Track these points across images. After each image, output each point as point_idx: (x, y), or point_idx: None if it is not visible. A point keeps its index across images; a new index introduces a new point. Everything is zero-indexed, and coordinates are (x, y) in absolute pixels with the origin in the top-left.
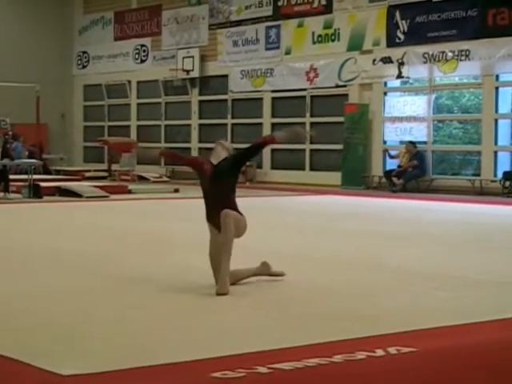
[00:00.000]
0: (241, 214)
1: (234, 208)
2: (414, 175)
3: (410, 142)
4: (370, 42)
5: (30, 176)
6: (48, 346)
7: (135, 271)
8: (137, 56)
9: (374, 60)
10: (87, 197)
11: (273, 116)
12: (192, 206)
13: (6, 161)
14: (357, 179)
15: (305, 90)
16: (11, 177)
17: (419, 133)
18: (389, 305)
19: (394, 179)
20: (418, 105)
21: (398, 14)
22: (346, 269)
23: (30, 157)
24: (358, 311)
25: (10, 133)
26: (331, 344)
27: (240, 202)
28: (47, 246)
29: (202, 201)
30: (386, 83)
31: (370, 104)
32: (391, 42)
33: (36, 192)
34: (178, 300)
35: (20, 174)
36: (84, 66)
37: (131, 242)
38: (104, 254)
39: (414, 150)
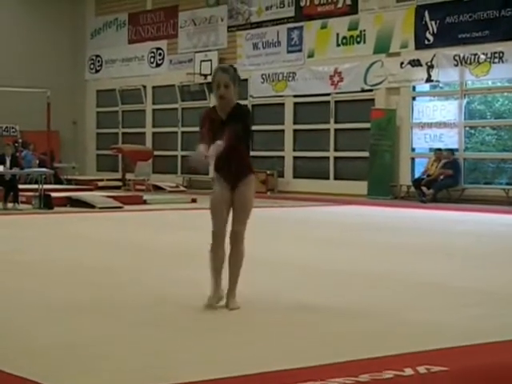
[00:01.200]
0: None
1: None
2: (445, 184)
3: (438, 150)
4: (398, 44)
5: (41, 186)
6: (60, 366)
7: (152, 286)
8: (152, 60)
9: (402, 63)
10: (100, 208)
11: (295, 122)
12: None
13: (15, 170)
14: (384, 189)
15: (329, 94)
16: (21, 186)
17: (450, 140)
18: (417, 321)
19: (424, 189)
20: (448, 110)
21: (426, 14)
22: (371, 283)
23: (40, 165)
24: (384, 328)
25: (20, 140)
26: (358, 362)
27: (260, 212)
28: (59, 259)
29: None
30: (414, 87)
31: (398, 109)
32: (420, 44)
33: (47, 202)
34: (196, 317)
35: (30, 183)
36: (97, 71)
37: (146, 256)
38: (117, 269)
39: (450, 157)
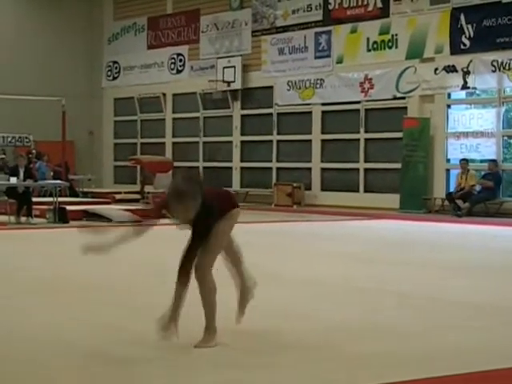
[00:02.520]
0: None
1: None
2: (483, 197)
3: (463, 160)
4: (432, 49)
5: (55, 199)
6: None
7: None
8: (172, 66)
9: (436, 69)
10: (117, 222)
11: (323, 132)
12: (234, 231)
13: (28, 182)
14: (417, 202)
15: (359, 102)
16: (34, 199)
17: (487, 150)
18: (456, 343)
19: (459, 202)
20: (485, 118)
21: (462, 17)
22: (405, 303)
23: (54, 177)
24: (424, 350)
25: (34, 151)
26: None
27: (286, 227)
28: (74, 276)
29: (247, 226)
30: (449, 95)
31: (432, 118)
32: (455, 49)
33: (61, 216)
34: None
35: (44, 196)
36: (114, 78)
37: (165, 273)
38: (132, 287)
39: (493, 168)
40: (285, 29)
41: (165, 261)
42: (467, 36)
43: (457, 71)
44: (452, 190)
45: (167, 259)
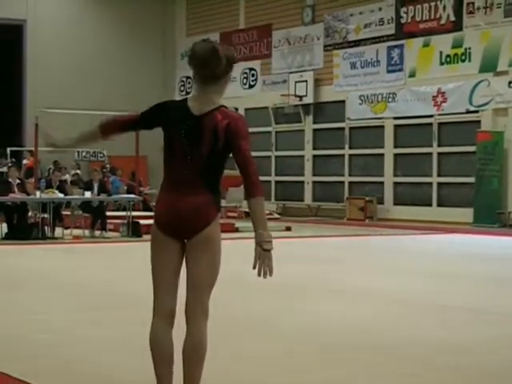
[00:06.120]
0: None
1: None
2: None
3: None
4: (506, 62)
5: (129, 213)
6: None
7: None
8: (245, 81)
9: (510, 82)
10: None
11: (395, 146)
12: (307, 245)
13: (102, 196)
14: (491, 216)
15: (431, 116)
16: (108, 213)
17: None
18: None
19: None
20: None
21: None
22: (476, 319)
23: (128, 192)
24: (490, 364)
25: (108, 166)
26: None
27: (358, 241)
28: (146, 291)
29: (318, 240)
30: None
31: (506, 131)
32: None
33: (135, 230)
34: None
35: (118, 210)
36: (187, 93)
37: (240, 287)
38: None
39: None
40: (357, 43)
41: (237, 274)
42: None
43: None
44: None
45: (239, 272)
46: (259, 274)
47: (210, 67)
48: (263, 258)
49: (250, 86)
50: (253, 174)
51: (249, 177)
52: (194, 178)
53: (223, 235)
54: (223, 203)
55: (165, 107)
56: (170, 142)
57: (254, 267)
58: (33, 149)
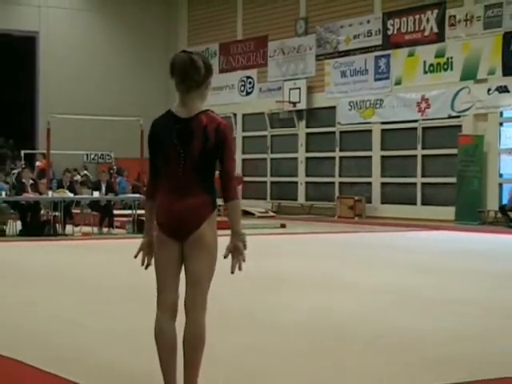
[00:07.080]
0: None
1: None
2: None
3: None
4: (485, 71)
5: (134, 211)
6: None
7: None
8: (242, 88)
9: (489, 89)
10: None
11: (382, 149)
12: (301, 241)
13: (110, 196)
14: (471, 214)
15: (416, 121)
16: (115, 212)
17: None
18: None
19: (511, 214)
20: None
21: None
22: (466, 311)
23: (134, 191)
24: (485, 353)
25: (115, 167)
26: None
27: (347, 238)
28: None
29: (312, 236)
30: (501, 113)
31: (485, 135)
32: (507, 71)
33: (140, 228)
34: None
35: (124, 209)
36: None
37: (237, 281)
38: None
39: None
40: (347, 53)
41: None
42: None
43: (509, 91)
44: (504, 202)
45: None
46: (233, 271)
47: (192, 76)
48: (235, 253)
49: (248, 93)
50: (230, 183)
51: (226, 185)
52: (188, 178)
53: (220, 232)
54: (220, 201)
55: (154, 131)
56: (163, 149)
57: (226, 257)
58: (45, 151)
